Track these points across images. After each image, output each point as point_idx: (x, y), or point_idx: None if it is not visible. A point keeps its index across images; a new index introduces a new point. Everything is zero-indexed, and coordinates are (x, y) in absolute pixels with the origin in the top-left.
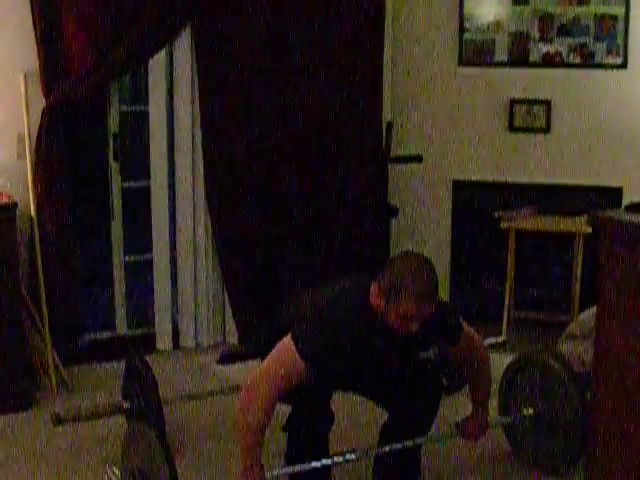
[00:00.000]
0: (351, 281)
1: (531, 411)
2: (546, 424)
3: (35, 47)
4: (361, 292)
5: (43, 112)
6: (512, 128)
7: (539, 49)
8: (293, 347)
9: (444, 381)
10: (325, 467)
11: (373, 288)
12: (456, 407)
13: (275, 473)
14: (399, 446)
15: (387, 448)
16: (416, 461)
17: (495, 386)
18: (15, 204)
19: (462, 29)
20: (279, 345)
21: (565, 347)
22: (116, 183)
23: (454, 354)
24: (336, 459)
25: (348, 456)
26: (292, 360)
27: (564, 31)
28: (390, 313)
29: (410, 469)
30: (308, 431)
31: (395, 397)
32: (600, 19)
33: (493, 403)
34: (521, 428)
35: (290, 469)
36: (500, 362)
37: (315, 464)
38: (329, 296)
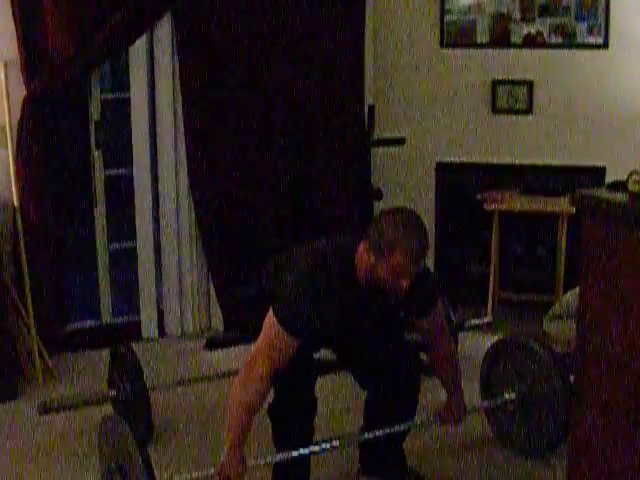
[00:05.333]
0: (334, 243)
1: (513, 395)
2: (528, 408)
3: (15, 36)
4: (344, 255)
5: (24, 101)
6: (495, 109)
7: (520, 30)
8: (279, 325)
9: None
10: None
11: (361, 247)
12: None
13: (259, 462)
14: (381, 433)
15: (369, 435)
16: (401, 443)
17: (477, 369)
18: None
19: (443, 11)
20: (266, 323)
21: (550, 327)
22: (99, 171)
23: (423, 327)
24: (319, 447)
25: (333, 443)
26: (281, 338)
27: (545, 11)
28: (380, 270)
29: (395, 452)
30: (293, 417)
31: (374, 370)
32: None
33: (474, 386)
34: (503, 412)
35: (271, 459)
36: (485, 343)
37: (298, 452)
38: (311, 263)
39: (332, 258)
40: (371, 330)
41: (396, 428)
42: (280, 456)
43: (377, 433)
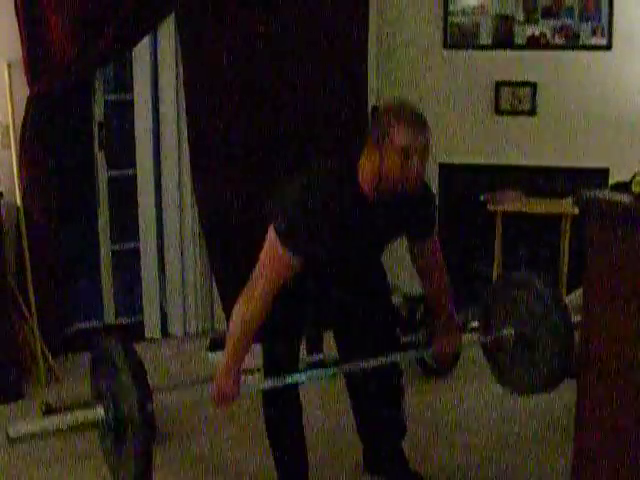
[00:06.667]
0: (334, 161)
1: (512, 331)
2: (527, 346)
3: (19, 36)
4: (346, 171)
5: (27, 101)
6: (498, 111)
7: (524, 31)
8: (278, 241)
9: (433, 364)
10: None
11: (363, 157)
12: (445, 390)
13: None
14: (364, 365)
15: (353, 367)
16: (400, 441)
17: (482, 370)
18: (0, 194)
19: (447, 12)
20: (267, 239)
21: None
22: (102, 172)
23: (421, 252)
24: (306, 375)
25: (319, 372)
26: (280, 254)
27: (548, 13)
28: (387, 161)
29: (396, 451)
30: (283, 342)
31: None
32: (584, 0)
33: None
34: (501, 350)
35: (263, 386)
36: None
37: (287, 380)
38: (310, 179)
39: (333, 174)
40: (360, 289)
41: (381, 360)
42: (270, 383)
43: (361, 365)
